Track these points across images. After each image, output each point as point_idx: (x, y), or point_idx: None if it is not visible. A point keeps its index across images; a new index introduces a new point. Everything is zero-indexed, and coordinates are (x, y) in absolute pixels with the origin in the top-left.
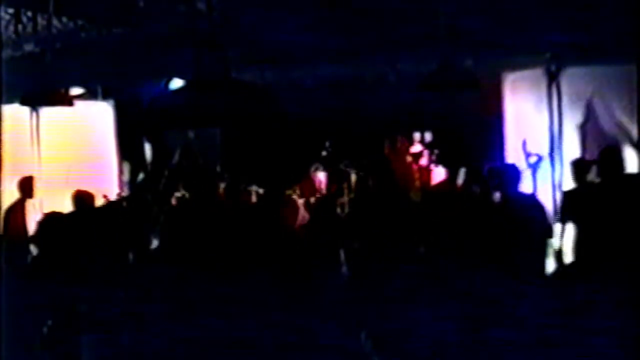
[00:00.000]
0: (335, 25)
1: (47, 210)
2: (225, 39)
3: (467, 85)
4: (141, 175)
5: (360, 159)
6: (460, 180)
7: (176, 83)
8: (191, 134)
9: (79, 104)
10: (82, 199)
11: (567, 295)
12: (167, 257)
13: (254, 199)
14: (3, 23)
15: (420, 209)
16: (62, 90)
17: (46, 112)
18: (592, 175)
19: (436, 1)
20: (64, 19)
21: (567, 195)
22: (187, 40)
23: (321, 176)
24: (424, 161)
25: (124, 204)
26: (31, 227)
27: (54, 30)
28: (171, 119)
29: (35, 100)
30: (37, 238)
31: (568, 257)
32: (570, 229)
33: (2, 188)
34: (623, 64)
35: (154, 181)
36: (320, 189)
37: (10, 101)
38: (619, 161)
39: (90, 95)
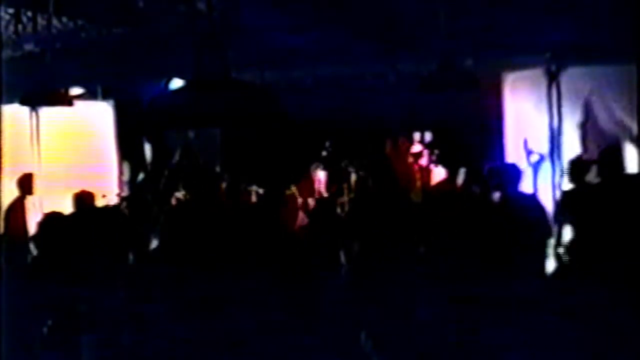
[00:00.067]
0: (335, 26)
1: (47, 210)
2: (225, 39)
3: (467, 85)
4: (141, 175)
5: (360, 159)
6: (460, 180)
7: (176, 83)
8: (191, 134)
9: (79, 104)
10: (83, 199)
11: (567, 295)
12: (167, 257)
13: (254, 199)
14: (3, 23)
15: (420, 209)
16: (62, 90)
17: (46, 112)
18: (592, 175)
19: (436, 1)
20: (64, 19)
21: (566, 195)
22: (187, 40)
23: (321, 176)
24: (424, 161)
25: (124, 204)
26: (31, 225)
27: (54, 30)
28: (171, 119)
29: (35, 100)
30: (37, 238)
31: (568, 257)
32: (570, 229)
33: (2, 188)
34: (623, 64)
35: (154, 181)
36: (320, 189)
37: (10, 101)
38: (619, 161)
39: (90, 95)
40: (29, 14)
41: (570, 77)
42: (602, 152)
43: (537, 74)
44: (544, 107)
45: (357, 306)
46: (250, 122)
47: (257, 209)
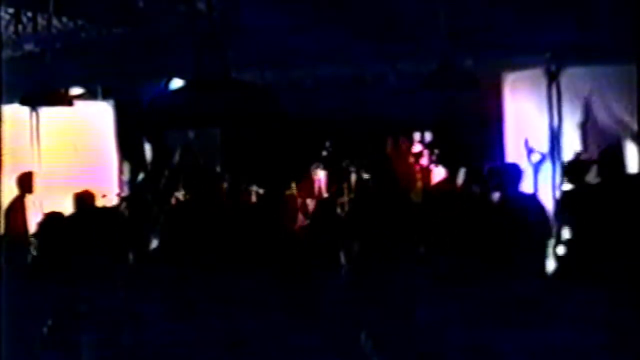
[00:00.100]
0: (335, 26)
1: (47, 210)
2: (225, 39)
3: (467, 85)
4: (141, 175)
5: (360, 158)
6: (460, 180)
7: (176, 83)
8: (191, 134)
9: (79, 104)
10: (83, 199)
11: (567, 295)
12: (167, 257)
13: (254, 199)
14: (3, 23)
15: (420, 209)
16: (62, 90)
17: (46, 112)
18: (592, 175)
19: (436, 1)
20: (64, 19)
21: (566, 195)
22: (187, 40)
23: (321, 176)
24: (424, 161)
25: (124, 204)
26: (31, 224)
27: (54, 30)
28: (171, 119)
29: (35, 100)
30: (37, 238)
31: (568, 258)
32: (570, 229)
33: (2, 188)
34: (623, 64)
35: (154, 181)
36: (320, 189)
37: (10, 101)
38: (619, 161)
39: (90, 95)
40: (29, 14)
41: (570, 77)
42: (602, 152)
43: (537, 74)
44: (544, 107)
45: (357, 306)
46: (250, 122)
47: (257, 209)
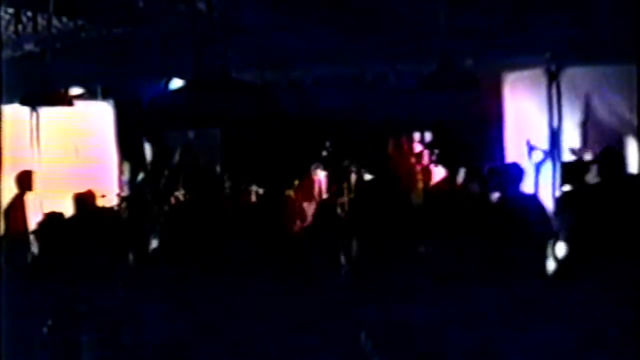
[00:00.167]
0: (336, 25)
1: (47, 210)
2: (225, 39)
3: (467, 85)
4: (141, 175)
5: (360, 158)
6: (460, 180)
7: (176, 83)
8: (191, 134)
9: (79, 104)
10: (83, 199)
11: (567, 295)
12: (167, 257)
13: (254, 199)
14: (3, 23)
15: (421, 209)
16: (62, 90)
17: (46, 112)
18: (592, 175)
19: (436, 1)
20: (64, 19)
21: (566, 195)
22: (187, 40)
23: (321, 176)
24: (425, 161)
25: (124, 204)
26: (31, 223)
27: (54, 30)
28: (171, 119)
29: (35, 100)
30: (37, 238)
31: (568, 258)
32: (570, 229)
33: (2, 188)
34: (623, 63)
35: (154, 181)
36: (321, 189)
37: (10, 101)
38: (619, 161)
39: (90, 95)
40: (29, 14)
41: (571, 77)
42: (602, 152)
43: (537, 74)
44: (544, 107)
45: (357, 306)
46: (250, 122)
47: (257, 209)
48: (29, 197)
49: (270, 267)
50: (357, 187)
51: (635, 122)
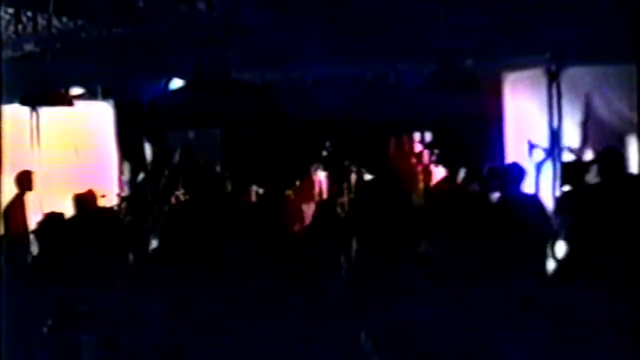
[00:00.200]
0: (336, 25)
1: (47, 210)
2: (225, 39)
3: (467, 85)
4: (141, 175)
5: (360, 158)
6: (460, 180)
7: (176, 83)
8: (191, 134)
9: (79, 104)
10: (83, 199)
11: (566, 295)
12: (167, 257)
13: (254, 199)
14: (3, 23)
15: (421, 209)
16: (62, 90)
17: (46, 112)
18: (592, 175)
19: (436, 1)
20: (64, 19)
21: (566, 195)
22: (187, 40)
23: (321, 176)
24: (425, 161)
25: (124, 204)
26: (31, 222)
27: (54, 30)
28: (171, 119)
29: (35, 100)
30: (37, 238)
31: (568, 258)
32: (570, 229)
33: (2, 188)
34: (623, 63)
35: (154, 181)
36: (321, 190)
37: (10, 101)
38: (619, 161)
39: (90, 95)
40: (29, 14)
41: (571, 77)
42: (602, 152)
43: (537, 74)
44: (544, 107)
45: (358, 306)
46: (250, 122)
47: (257, 209)
48: (29, 197)
49: (270, 267)
50: (357, 187)
51: (635, 121)
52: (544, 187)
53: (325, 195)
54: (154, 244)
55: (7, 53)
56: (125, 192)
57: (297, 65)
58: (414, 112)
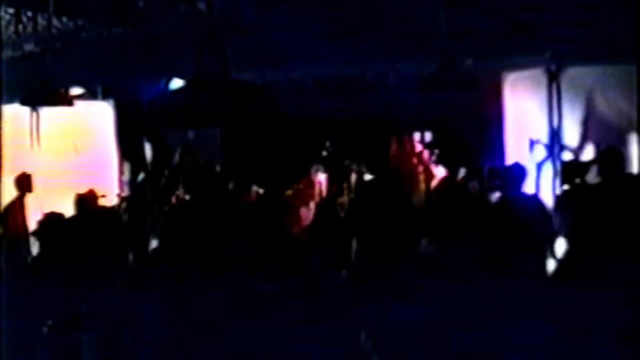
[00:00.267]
0: (336, 25)
1: (47, 210)
2: (225, 39)
3: (467, 85)
4: (141, 175)
5: (360, 158)
6: (460, 180)
7: (176, 83)
8: (191, 134)
9: (79, 104)
10: (84, 199)
11: (566, 295)
12: (167, 257)
13: (254, 199)
14: (3, 23)
15: (421, 209)
16: (62, 90)
17: (46, 112)
18: (592, 175)
19: (436, 1)
20: (64, 19)
21: (566, 194)
22: (187, 40)
23: (321, 177)
24: (427, 161)
25: (124, 204)
26: (31, 224)
27: (54, 30)
28: (171, 119)
29: (35, 100)
30: (37, 238)
31: (568, 258)
32: (570, 229)
33: (2, 187)
34: (623, 63)
35: (154, 181)
36: (321, 189)
37: (10, 101)
38: (619, 161)
39: (90, 95)
40: (29, 14)
41: (571, 77)
42: (602, 152)
43: (537, 74)
44: (544, 106)
45: (358, 306)
46: (250, 122)
47: (257, 209)
48: (28, 199)
49: (270, 267)
50: (357, 187)
51: (635, 121)
52: (544, 186)
53: (325, 195)
54: (154, 244)
55: (7, 53)
56: (125, 192)
57: (297, 65)
58: (414, 112)
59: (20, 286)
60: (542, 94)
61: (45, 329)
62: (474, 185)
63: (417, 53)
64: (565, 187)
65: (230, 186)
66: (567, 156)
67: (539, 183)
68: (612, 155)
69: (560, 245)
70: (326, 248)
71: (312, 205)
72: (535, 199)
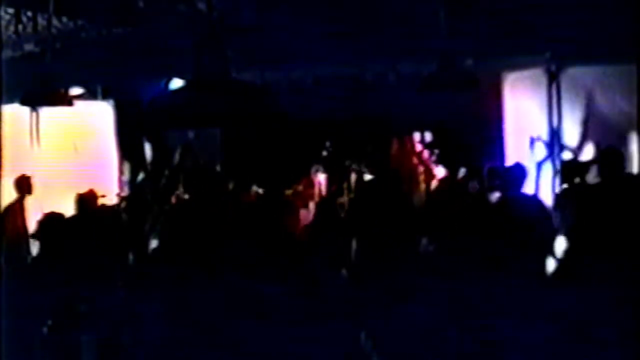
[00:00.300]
0: (336, 26)
1: (47, 210)
2: (225, 39)
3: (467, 85)
4: (141, 175)
5: (360, 158)
6: (460, 180)
7: (176, 83)
8: (191, 134)
9: (79, 104)
10: (85, 199)
11: (566, 295)
12: (167, 257)
13: (254, 199)
14: (3, 23)
15: (422, 209)
16: (62, 90)
17: (46, 112)
18: (592, 175)
19: (436, 1)
20: (64, 19)
21: (566, 194)
22: (187, 40)
23: (321, 177)
24: (427, 161)
25: (124, 204)
26: (30, 225)
27: (54, 30)
28: (171, 119)
29: (35, 100)
30: (37, 238)
31: (568, 257)
32: (570, 228)
33: (2, 188)
34: (623, 63)
35: (154, 181)
36: (321, 189)
37: (10, 101)
38: (619, 161)
39: (90, 95)
40: (29, 14)
41: (571, 77)
42: (602, 152)
43: (537, 74)
44: (544, 106)
45: (358, 306)
46: (250, 122)
47: (257, 209)
48: (28, 200)
49: (270, 267)
50: (357, 187)
51: (635, 121)
52: (544, 186)
53: (325, 196)
54: (154, 243)
55: (7, 53)
56: (125, 192)
57: (297, 65)
58: (413, 112)
59: (20, 286)
60: (542, 94)
61: (45, 329)
62: (474, 185)
63: (417, 53)
64: (566, 187)
65: (230, 186)
66: (567, 156)
67: (538, 183)
68: (612, 155)
69: (560, 245)
70: (326, 248)
71: (312, 205)
72: (535, 199)
